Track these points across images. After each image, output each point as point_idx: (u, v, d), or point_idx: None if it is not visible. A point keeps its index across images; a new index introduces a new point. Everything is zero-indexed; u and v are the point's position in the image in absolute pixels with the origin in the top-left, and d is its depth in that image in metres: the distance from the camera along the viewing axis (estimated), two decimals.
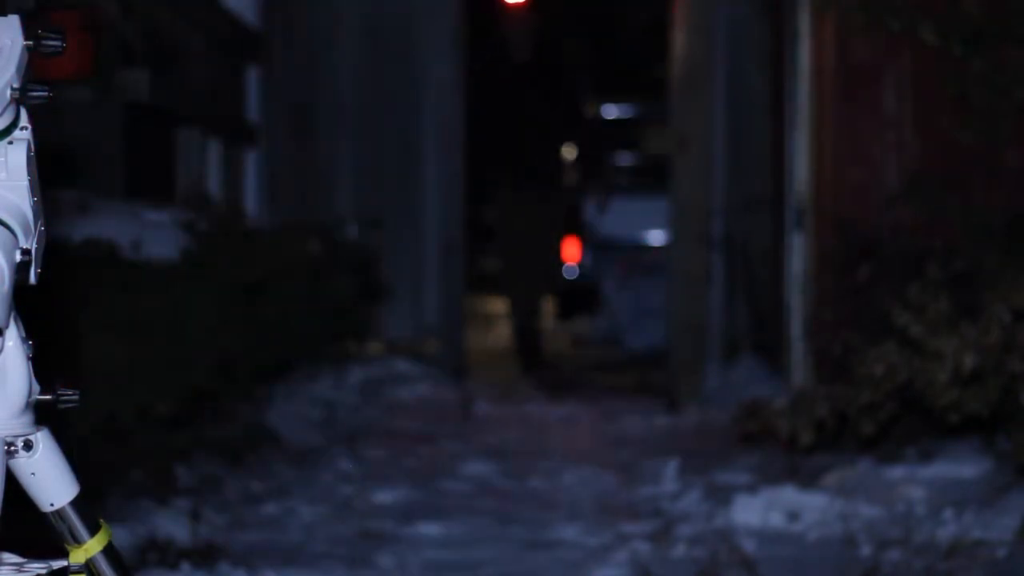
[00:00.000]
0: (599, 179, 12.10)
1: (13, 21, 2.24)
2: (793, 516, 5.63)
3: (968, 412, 5.47)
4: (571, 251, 13.14)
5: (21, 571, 2.37)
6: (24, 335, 2.28)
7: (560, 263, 11.70)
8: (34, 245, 2.25)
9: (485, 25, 10.93)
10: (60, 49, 2.26)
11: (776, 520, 5.60)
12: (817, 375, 6.96)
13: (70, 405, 2.35)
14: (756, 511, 5.64)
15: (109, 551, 2.48)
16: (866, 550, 5.17)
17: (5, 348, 2.22)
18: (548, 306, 14.27)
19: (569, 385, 9.82)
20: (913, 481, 5.83)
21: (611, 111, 14.31)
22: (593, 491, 6.40)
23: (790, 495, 5.78)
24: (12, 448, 2.28)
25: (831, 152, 7.12)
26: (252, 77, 8.13)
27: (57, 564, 2.42)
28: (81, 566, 2.43)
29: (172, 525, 5.11)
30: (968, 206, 6.68)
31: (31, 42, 2.23)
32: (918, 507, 5.56)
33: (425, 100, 9.08)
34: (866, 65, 7.02)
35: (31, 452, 2.31)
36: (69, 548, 2.44)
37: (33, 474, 2.34)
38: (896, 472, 5.97)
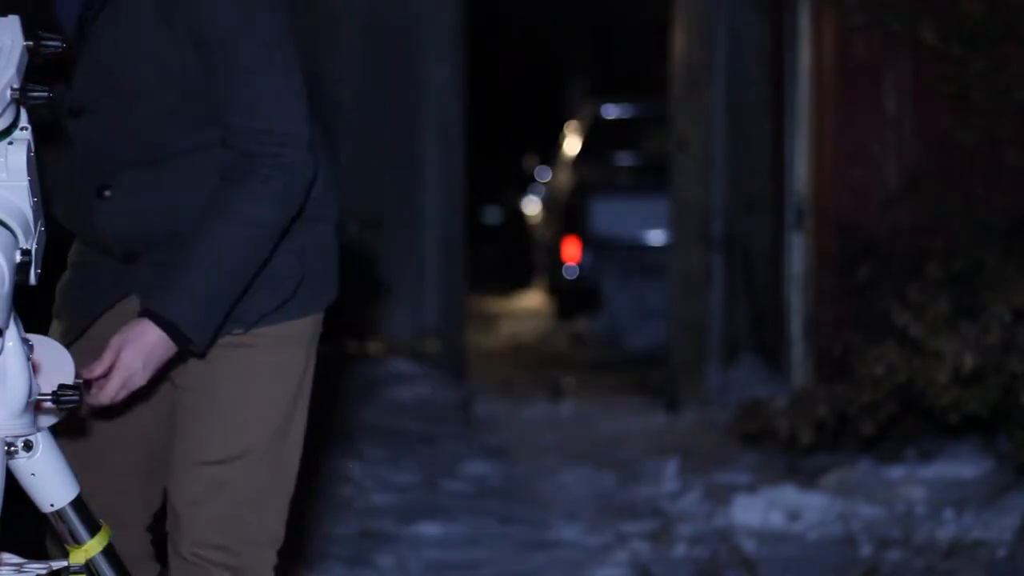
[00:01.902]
0: None
1: (13, 21, 2.24)
2: (793, 516, 5.63)
3: (968, 412, 5.47)
4: (571, 251, 13.13)
5: (21, 571, 2.37)
6: (24, 335, 2.28)
7: None
8: (34, 245, 2.25)
9: (485, 25, 10.93)
10: (60, 49, 2.26)
11: (776, 520, 5.60)
12: (817, 375, 6.96)
13: (70, 405, 2.35)
14: (756, 511, 5.65)
15: (109, 552, 2.48)
16: (866, 550, 5.17)
17: (5, 348, 2.22)
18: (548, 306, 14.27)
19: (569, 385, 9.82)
20: (913, 481, 5.83)
21: (611, 111, 14.31)
22: (593, 491, 6.40)
23: (790, 495, 5.78)
24: (12, 448, 2.28)
25: (831, 152, 7.12)
26: None
27: (57, 564, 2.42)
28: (81, 566, 2.43)
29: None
30: (968, 206, 6.68)
31: (31, 42, 2.24)
32: (918, 507, 5.56)
33: (425, 100, 9.07)
34: (866, 65, 7.02)
35: (31, 452, 2.32)
36: (69, 548, 2.44)
37: (33, 475, 2.34)
38: (896, 472, 5.97)
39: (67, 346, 2.63)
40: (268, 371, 2.85)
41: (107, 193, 2.75)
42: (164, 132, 2.72)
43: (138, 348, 2.65)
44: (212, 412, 2.82)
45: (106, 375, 2.64)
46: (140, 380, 2.67)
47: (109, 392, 2.65)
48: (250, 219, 2.69)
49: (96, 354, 2.70)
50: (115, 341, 2.65)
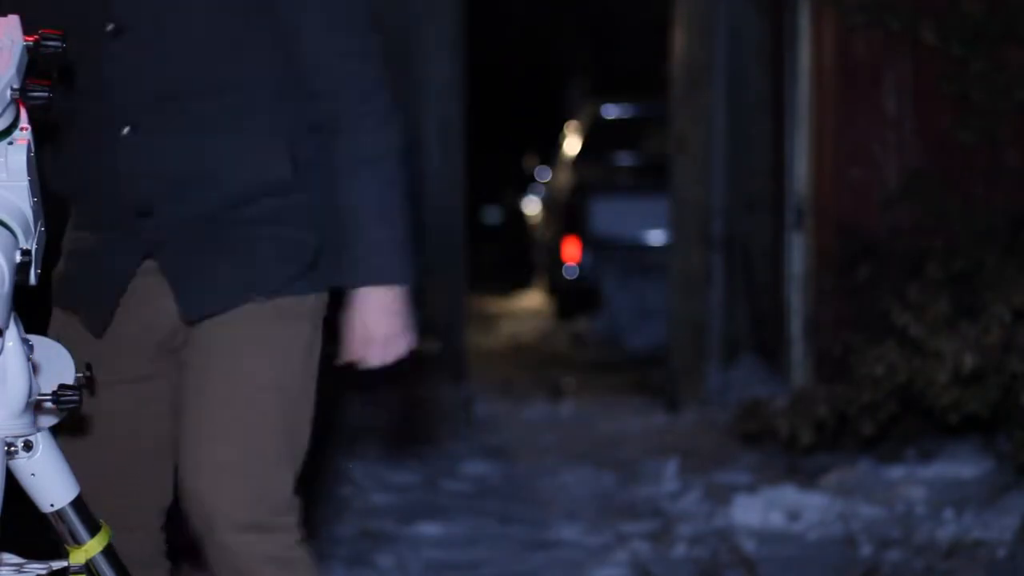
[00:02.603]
0: None
1: (13, 21, 2.24)
2: (793, 516, 5.63)
3: (968, 412, 5.47)
4: (571, 251, 13.13)
5: (21, 571, 2.37)
6: (24, 335, 2.28)
7: None
8: (34, 245, 2.25)
9: (485, 25, 10.92)
10: (60, 49, 2.26)
11: (776, 520, 5.60)
12: (817, 375, 6.96)
13: (70, 405, 2.35)
14: (756, 511, 5.65)
15: (109, 552, 2.47)
16: (866, 550, 5.17)
17: (5, 348, 2.21)
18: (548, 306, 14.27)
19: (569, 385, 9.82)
20: (913, 481, 5.83)
21: (611, 111, 14.31)
22: (593, 491, 6.40)
23: (790, 495, 5.78)
24: (12, 448, 2.28)
25: (831, 152, 7.12)
26: None
27: (57, 564, 2.42)
28: (81, 567, 2.42)
29: (171, 525, 5.11)
30: (968, 206, 6.68)
31: (31, 42, 2.23)
32: (918, 507, 5.56)
33: (425, 100, 9.07)
34: (866, 65, 7.02)
35: (31, 452, 2.31)
36: (69, 549, 2.43)
37: (33, 475, 2.34)
38: (896, 472, 5.97)
39: (98, 339, 2.74)
40: (276, 344, 2.85)
41: (129, 131, 2.75)
42: (197, 62, 2.75)
43: (378, 315, 2.89)
44: (219, 385, 2.81)
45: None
46: (401, 342, 2.93)
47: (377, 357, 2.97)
48: (383, 153, 2.88)
49: (135, 346, 2.80)
50: (357, 326, 2.90)
